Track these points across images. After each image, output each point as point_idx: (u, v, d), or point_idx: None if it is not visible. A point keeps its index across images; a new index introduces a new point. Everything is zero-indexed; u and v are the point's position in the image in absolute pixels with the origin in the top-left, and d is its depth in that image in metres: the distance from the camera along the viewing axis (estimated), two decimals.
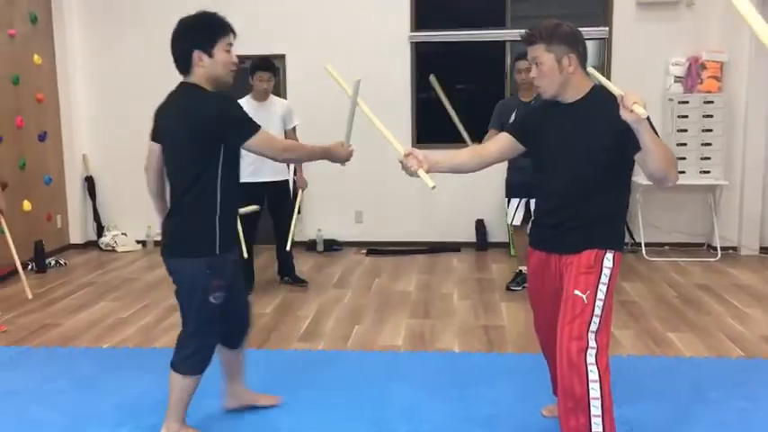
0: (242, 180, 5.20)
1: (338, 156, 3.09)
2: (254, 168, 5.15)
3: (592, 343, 2.48)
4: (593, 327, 2.49)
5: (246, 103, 5.16)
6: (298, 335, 4.37)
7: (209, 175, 2.70)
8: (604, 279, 2.53)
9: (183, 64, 2.71)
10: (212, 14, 2.73)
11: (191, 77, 2.71)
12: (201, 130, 2.63)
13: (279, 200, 5.35)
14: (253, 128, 2.71)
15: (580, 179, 2.54)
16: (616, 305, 4.79)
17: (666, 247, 6.68)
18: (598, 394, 2.45)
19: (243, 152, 5.32)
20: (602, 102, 2.49)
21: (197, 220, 2.72)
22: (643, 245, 6.42)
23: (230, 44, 2.74)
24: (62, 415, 3.21)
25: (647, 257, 6.29)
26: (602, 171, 2.53)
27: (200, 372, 2.84)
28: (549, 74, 2.53)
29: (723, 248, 6.37)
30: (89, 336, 4.39)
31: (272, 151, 2.83)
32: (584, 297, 2.51)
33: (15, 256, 5.22)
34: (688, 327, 4.39)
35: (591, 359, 2.46)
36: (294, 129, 5.38)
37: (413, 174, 2.69)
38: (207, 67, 2.68)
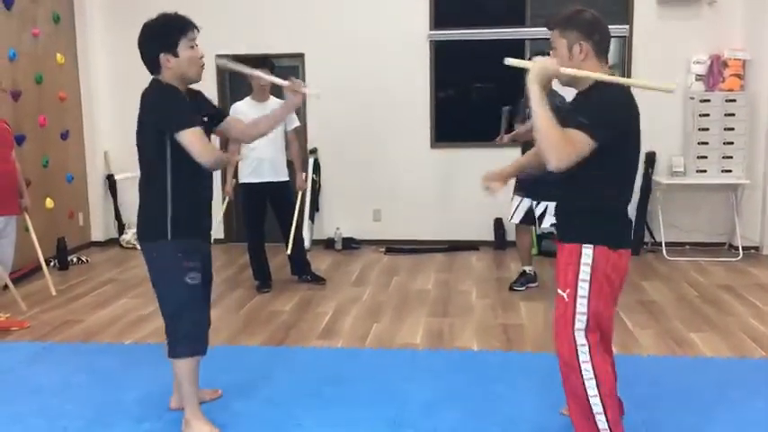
0: (242, 180, 5.30)
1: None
2: (253, 169, 5.19)
3: (581, 341, 2.40)
4: (579, 325, 2.41)
5: (246, 103, 5.18)
6: (317, 332, 4.39)
7: (160, 163, 2.76)
8: (584, 276, 2.41)
9: (152, 66, 2.79)
10: (172, 15, 2.80)
11: (159, 77, 2.80)
12: (148, 118, 2.76)
13: (281, 200, 5.35)
14: (184, 122, 2.69)
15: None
16: (636, 305, 4.78)
17: (687, 247, 6.63)
18: (596, 392, 2.40)
19: (244, 153, 5.37)
20: (593, 91, 2.38)
21: (154, 205, 2.82)
22: (663, 244, 6.37)
23: (193, 39, 2.80)
24: (85, 409, 3.25)
25: (667, 257, 6.24)
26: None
27: (198, 351, 2.92)
28: (561, 62, 2.44)
29: (745, 248, 6.31)
30: (111, 332, 4.45)
31: (194, 153, 2.69)
32: (564, 295, 2.45)
33: (39, 253, 5.30)
34: (709, 327, 4.36)
35: (584, 357, 2.40)
36: (295, 130, 5.35)
37: None
38: (174, 68, 2.76)
